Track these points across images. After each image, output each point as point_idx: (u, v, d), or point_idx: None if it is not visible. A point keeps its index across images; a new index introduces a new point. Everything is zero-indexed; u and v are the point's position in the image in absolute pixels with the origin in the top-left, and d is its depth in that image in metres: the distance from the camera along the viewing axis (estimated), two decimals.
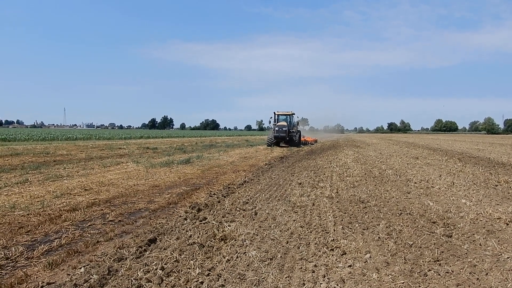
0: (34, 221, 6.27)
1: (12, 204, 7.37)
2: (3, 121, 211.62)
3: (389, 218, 6.36)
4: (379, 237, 5.27)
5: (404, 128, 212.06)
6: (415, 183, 10.17)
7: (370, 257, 4.53)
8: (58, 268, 4.40)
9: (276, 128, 30.63)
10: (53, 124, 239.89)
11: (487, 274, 4.05)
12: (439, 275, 4.04)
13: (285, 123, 31.07)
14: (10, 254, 4.75)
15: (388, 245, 4.93)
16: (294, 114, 32.90)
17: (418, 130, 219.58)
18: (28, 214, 6.72)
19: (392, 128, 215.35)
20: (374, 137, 73.30)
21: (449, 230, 5.65)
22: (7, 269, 4.36)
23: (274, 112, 33.00)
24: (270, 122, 33.04)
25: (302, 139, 35.75)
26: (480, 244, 5.01)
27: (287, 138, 30.56)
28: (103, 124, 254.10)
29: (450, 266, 4.25)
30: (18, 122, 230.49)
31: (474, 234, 5.41)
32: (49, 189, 9.15)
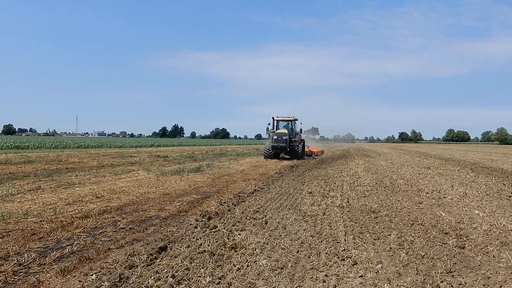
0: (46, 228, 6.34)
1: (25, 211, 7.46)
2: (17, 129, 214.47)
3: (401, 228, 6.31)
4: (390, 248, 5.23)
5: (416, 138, 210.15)
6: (427, 193, 10.07)
7: (381, 267, 4.49)
8: (70, 274, 4.43)
9: (275, 137, 25.64)
10: (65, 132, 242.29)
11: (501, 286, 3.99)
12: (452, 286, 3.99)
13: (285, 131, 26.12)
14: (23, 261, 4.80)
15: (400, 256, 4.88)
16: (297, 120, 27.81)
17: (430, 140, 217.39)
18: (40, 221, 6.79)
19: (403, 137, 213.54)
20: (385, 147, 72.83)
21: (462, 241, 5.58)
22: (20, 275, 4.41)
23: (273, 117, 27.68)
24: (267, 129, 27.74)
25: (306, 149, 30.75)
26: (493, 256, 4.94)
27: (288, 149, 25.82)
28: (114, 133, 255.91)
29: (463, 278, 4.20)
30: (31, 130, 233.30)
31: (487, 246, 5.34)
32: (61, 196, 9.24)
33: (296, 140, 26.96)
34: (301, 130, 28.33)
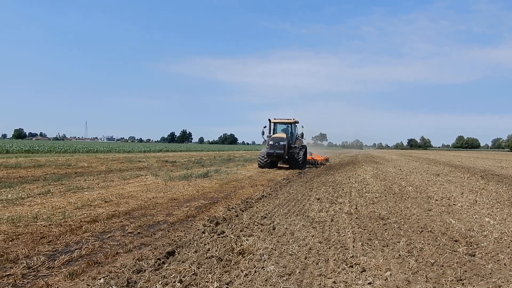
0: (55, 232, 6.38)
1: (35, 215, 7.52)
2: (27, 133, 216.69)
3: (410, 235, 6.25)
4: (399, 255, 5.18)
5: (425, 145, 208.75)
6: (436, 200, 9.98)
7: (390, 274, 4.44)
8: (78, 278, 4.45)
9: (271, 142, 21.77)
10: (75, 137, 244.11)
11: None
12: None
13: (284, 135, 22.37)
14: (32, 264, 4.83)
15: (409, 263, 4.83)
16: (297, 122, 24.10)
17: (439, 147, 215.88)
18: (49, 225, 6.84)
19: (412, 144, 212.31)
20: (394, 153, 72.36)
21: (472, 249, 5.52)
22: (29, 278, 4.43)
23: (269, 120, 23.75)
24: (263, 133, 23.52)
25: (308, 157, 26.80)
26: (505, 264, 4.87)
27: (286, 157, 21.96)
28: (123, 137, 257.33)
29: (474, 286, 4.14)
30: (41, 134, 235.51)
31: (498, 254, 5.27)
32: (70, 201, 9.30)
33: (296, 146, 23.27)
34: (302, 134, 24.46)
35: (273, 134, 23.24)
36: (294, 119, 23.83)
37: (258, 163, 22.54)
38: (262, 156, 22.26)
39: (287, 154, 21.99)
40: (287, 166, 23.00)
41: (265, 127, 23.51)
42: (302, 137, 24.57)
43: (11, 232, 6.28)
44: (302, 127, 24.55)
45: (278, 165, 23.51)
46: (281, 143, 21.58)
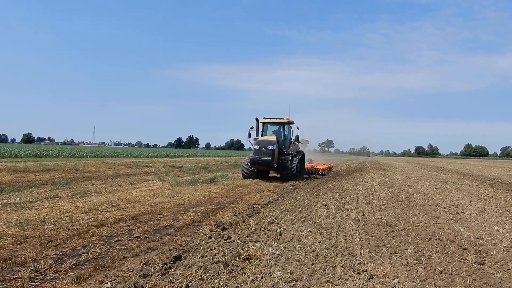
0: (63, 235, 6.40)
1: (42, 218, 7.56)
2: (36, 138, 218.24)
3: (418, 243, 6.19)
4: (407, 262, 5.13)
5: (432, 152, 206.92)
6: (444, 208, 9.89)
7: (398, 282, 4.40)
8: (85, 282, 4.46)
9: (256, 147, 17.64)
10: (83, 142, 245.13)
11: None
12: None
13: (273, 138, 17.99)
14: (40, 267, 4.85)
15: (417, 271, 4.78)
16: (292, 123, 19.79)
17: (447, 155, 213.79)
18: (57, 228, 6.88)
19: (420, 151, 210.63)
20: (401, 161, 71.91)
21: (481, 257, 5.46)
22: (36, 282, 4.45)
23: (257, 119, 19.46)
24: (249, 136, 19.26)
25: (307, 165, 22.20)
26: None
27: (275, 165, 17.76)
28: (131, 143, 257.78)
29: None
30: (49, 139, 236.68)
31: (508, 263, 5.20)
32: (77, 205, 9.35)
33: (289, 152, 18.84)
34: (297, 137, 20.04)
35: (261, 136, 19.13)
36: (287, 119, 19.61)
37: (242, 173, 18.52)
38: (246, 164, 18.30)
39: (276, 161, 17.89)
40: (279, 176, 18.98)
41: (251, 128, 19.30)
42: (298, 141, 20.36)
43: (19, 235, 6.32)
44: (298, 128, 20.19)
45: (270, 175, 19.60)
46: (269, 147, 17.38)
